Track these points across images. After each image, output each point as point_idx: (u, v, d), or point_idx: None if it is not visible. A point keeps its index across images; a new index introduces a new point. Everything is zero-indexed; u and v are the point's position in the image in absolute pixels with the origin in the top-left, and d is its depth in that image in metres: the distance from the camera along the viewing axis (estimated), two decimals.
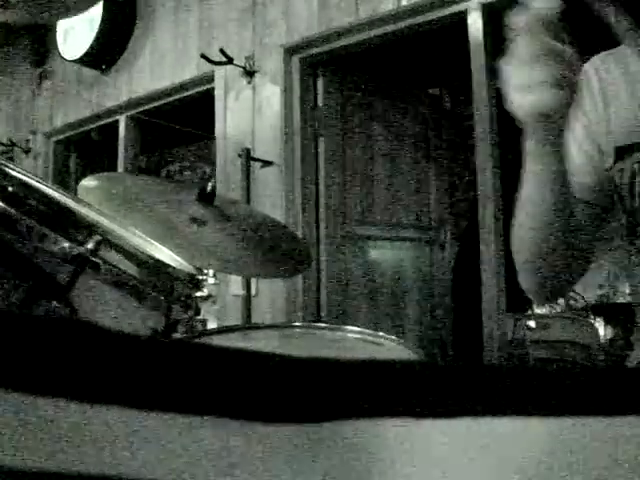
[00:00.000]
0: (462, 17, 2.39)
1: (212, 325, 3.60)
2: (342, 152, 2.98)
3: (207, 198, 1.33)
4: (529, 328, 3.32)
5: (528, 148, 0.76)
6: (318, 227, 2.88)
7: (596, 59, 0.96)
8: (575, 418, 0.22)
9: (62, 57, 3.79)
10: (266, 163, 2.80)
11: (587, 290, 4.13)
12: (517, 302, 3.37)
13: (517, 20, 0.65)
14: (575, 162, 0.94)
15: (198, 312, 1.06)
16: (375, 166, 3.14)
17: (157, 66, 3.44)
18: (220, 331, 1.41)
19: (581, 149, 0.94)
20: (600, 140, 0.92)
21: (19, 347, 0.19)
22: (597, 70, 0.94)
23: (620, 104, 0.90)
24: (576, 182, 0.93)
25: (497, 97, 2.43)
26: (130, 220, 1.15)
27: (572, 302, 4.12)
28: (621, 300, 3.79)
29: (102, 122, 3.85)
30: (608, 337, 3.64)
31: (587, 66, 0.96)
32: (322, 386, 0.21)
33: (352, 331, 1.18)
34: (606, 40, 0.96)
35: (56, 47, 3.83)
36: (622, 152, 0.88)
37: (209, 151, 4.91)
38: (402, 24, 2.52)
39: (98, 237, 0.79)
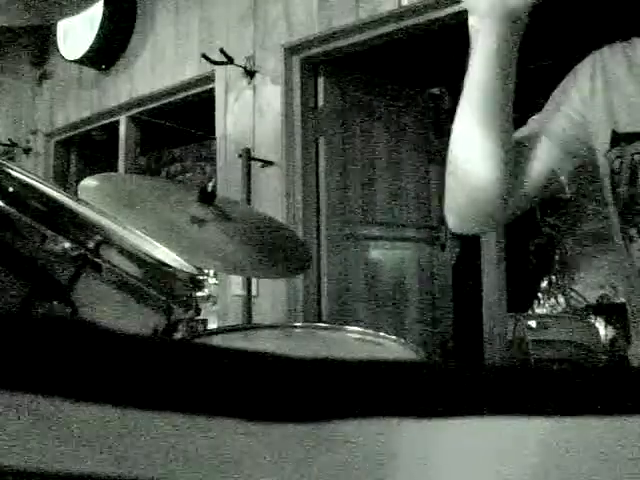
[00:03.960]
0: (462, 17, 2.39)
1: (213, 325, 3.60)
2: (342, 152, 2.98)
3: (208, 198, 1.33)
4: (529, 328, 3.32)
5: (482, 43, 0.84)
6: (318, 227, 2.88)
7: (605, 49, 0.96)
8: (575, 418, 0.22)
9: (62, 57, 3.79)
10: (266, 163, 2.80)
11: (587, 290, 4.13)
12: (518, 302, 3.38)
13: None
14: (560, 116, 0.94)
15: (199, 312, 1.06)
16: (375, 166, 3.14)
17: (157, 66, 3.44)
18: (221, 331, 1.41)
19: (566, 110, 0.93)
20: (593, 126, 0.92)
21: (19, 347, 0.19)
22: (603, 59, 0.94)
23: (624, 92, 0.90)
24: (551, 168, 0.93)
25: None
26: (130, 220, 1.15)
27: (572, 302, 4.12)
28: (621, 300, 3.79)
29: (102, 122, 3.86)
30: (609, 337, 3.64)
31: (595, 55, 0.96)
32: (323, 386, 0.21)
33: (352, 331, 1.18)
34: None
35: (56, 47, 3.83)
36: (620, 139, 0.88)
37: (209, 151, 4.92)
38: (402, 24, 2.52)
39: (99, 237, 0.79)
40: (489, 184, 0.89)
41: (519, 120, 0.94)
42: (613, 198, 0.91)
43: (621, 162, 0.88)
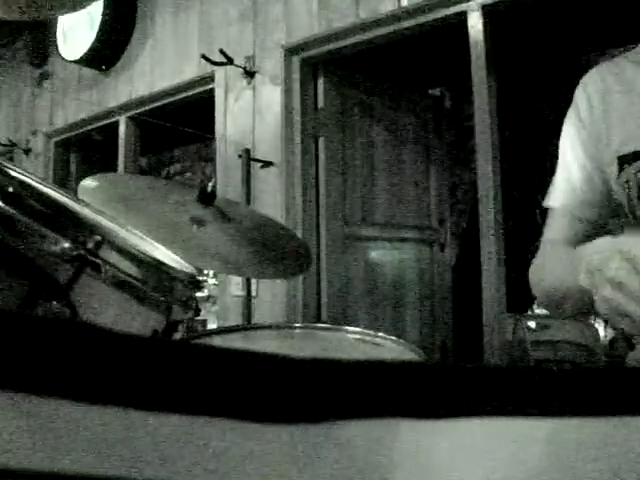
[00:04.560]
0: (462, 18, 2.39)
1: (212, 326, 3.61)
2: (342, 152, 2.98)
3: (207, 199, 1.33)
4: (529, 329, 3.32)
5: None
6: (318, 227, 2.88)
7: (594, 71, 0.97)
8: (575, 418, 0.22)
9: (62, 57, 3.79)
10: (266, 163, 2.80)
11: None
12: (517, 302, 3.37)
13: None
14: (574, 179, 0.96)
15: (198, 313, 1.06)
16: (375, 166, 3.14)
17: (157, 66, 3.44)
18: (220, 331, 1.41)
19: (579, 164, 0.95)
20: (599, 152, 0.93)
21: (19, 347, 0.19)
22: (595, 82, 0.95)
23: (619, 113, 0.91)
24: (577, 199, 0.95)
25: (497, 97, 2.43)
26: (130, 220, 1.15)
27: None
28: None
29: (102, 122, 3.85)
30: (608, 338, 3.64)
31: (585, 78, 0.97)
32: (322, 386, 0.21)
33: (352, 331, 1.18)
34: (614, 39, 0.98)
35: (56, 47, 3.83)
36: (623, 161, 0.89)
37: (209, 152, 4.92)
38: (402, 25, 2.52)
39: (98, 237, 0.79)
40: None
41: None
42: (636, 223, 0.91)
43: (628, 186, 0.89)
